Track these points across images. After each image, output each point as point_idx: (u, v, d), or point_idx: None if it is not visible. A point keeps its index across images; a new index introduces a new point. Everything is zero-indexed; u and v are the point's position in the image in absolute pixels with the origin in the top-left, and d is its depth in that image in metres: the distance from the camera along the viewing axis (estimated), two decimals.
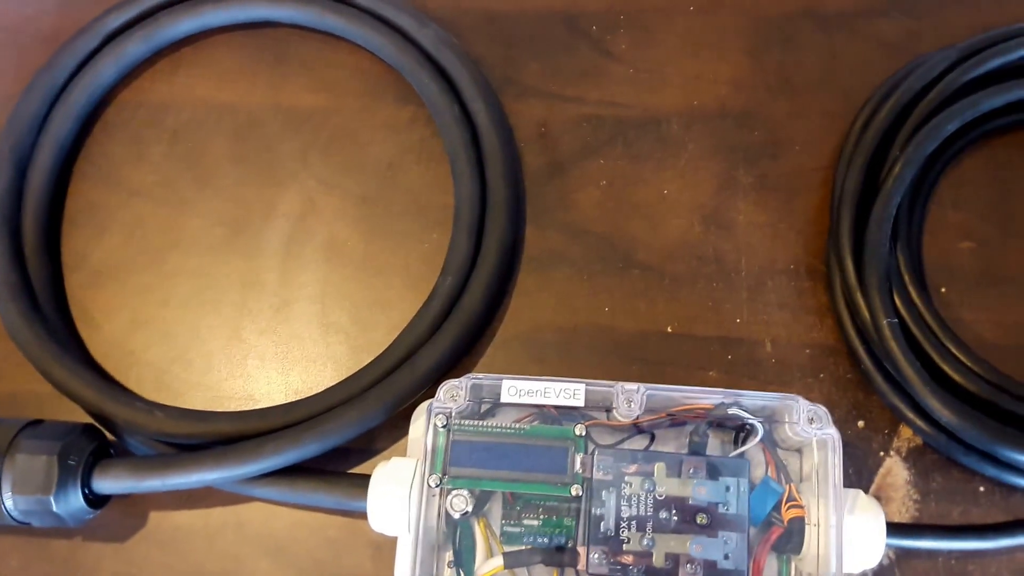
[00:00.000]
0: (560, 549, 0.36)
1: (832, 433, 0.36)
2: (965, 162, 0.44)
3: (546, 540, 0.37)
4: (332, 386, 0.41)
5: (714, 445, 0.38)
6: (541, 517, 0.37)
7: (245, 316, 0.44)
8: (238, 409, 0.42)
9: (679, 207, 0.45)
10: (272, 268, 0.45)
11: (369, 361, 0.41)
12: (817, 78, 0.46)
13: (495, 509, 0.38)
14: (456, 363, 0.42)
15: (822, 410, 0.37)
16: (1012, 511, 0.40)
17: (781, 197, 0.44)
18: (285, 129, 0.47)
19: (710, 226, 0.44)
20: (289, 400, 0.42)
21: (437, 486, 0.36)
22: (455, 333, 0.41)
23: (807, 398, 0.41)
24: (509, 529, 0.37)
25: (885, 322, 0.38)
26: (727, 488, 0.36)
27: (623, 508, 0.36)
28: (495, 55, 0.47)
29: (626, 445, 0.39)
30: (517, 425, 0.38)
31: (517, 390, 0.37)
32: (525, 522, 0.37)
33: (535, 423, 0.38)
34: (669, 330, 0.43)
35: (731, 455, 0.38)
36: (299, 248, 0.45)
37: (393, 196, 0.46)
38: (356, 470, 0.41)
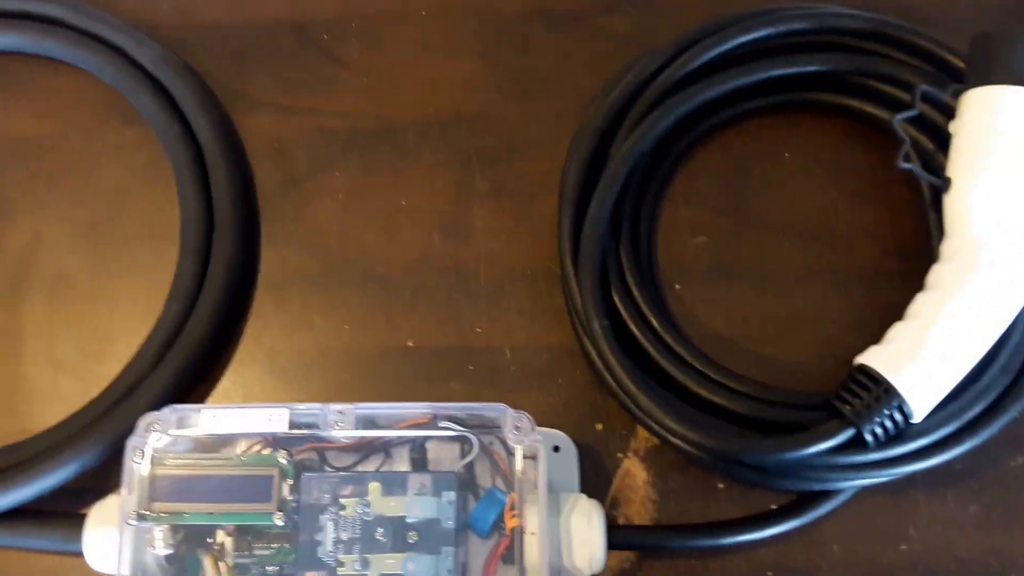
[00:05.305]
0: None
1: (538, 439, 0.36)
2: (698, 156, 0.44)
3: (276, 569, 0.36)
4: (54, 425, 0.40)
5: (451, 459, 0.38)
6: (272, 546, 0.36)
7: None
8: None
9: (417, 217, 0.44)
10: None
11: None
12: (551, 78, 0.46)
13: (228, 541, 0.36)
14: (186, 393, 0.41)
15: (526, 417, 0.36)
16: (751, 506, 0.39)
17: (519, 201, 0.44)
18: (9, 160, 0.45)
19: (449, 235, 0.44)
20: None
21: (135, 523, 0.35)
22: (178, 362, 0.40)
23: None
24: (240, 560, 0.36)
25: (596, 324, 0.38)
26: (447, 503, 0.36)
27: (340, 532, 0.35)
28: (224, 69, 0.46)
29: (361, 466, 0.38)
30: (225, 456, 0.37)
31: (217, 418, 0.36)
32: (256, 552, 0.36)
33: (263, 451, 0.37)
34: (410, 344, 0.42)
35: (458, 467, 0.37)
36: (27, 284, 0.43)
37: (122, 222, 0.44)
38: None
